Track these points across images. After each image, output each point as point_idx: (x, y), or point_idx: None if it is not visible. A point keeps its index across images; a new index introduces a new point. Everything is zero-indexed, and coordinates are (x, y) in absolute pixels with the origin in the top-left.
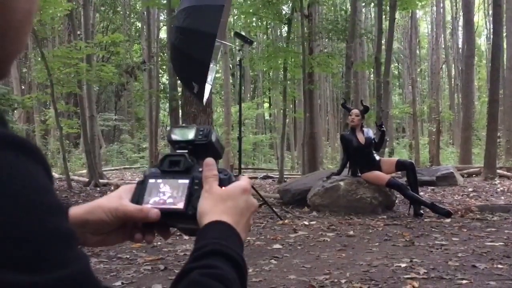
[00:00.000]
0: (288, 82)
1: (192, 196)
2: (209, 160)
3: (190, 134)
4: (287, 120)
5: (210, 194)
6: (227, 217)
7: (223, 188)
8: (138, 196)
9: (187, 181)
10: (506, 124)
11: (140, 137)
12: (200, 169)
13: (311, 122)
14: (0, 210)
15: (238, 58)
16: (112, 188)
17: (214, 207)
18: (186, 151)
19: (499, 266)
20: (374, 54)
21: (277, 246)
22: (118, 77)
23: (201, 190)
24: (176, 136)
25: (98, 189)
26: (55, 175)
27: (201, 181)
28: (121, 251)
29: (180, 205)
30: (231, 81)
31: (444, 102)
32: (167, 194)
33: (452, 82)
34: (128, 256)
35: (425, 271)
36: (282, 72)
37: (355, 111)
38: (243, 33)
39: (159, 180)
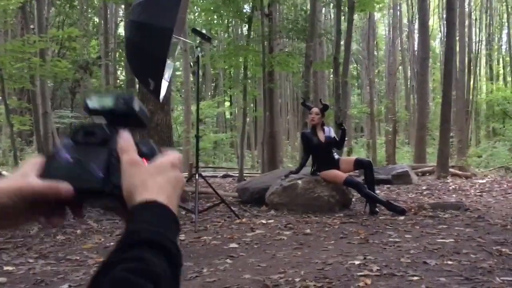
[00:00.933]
0: (249, 80)
1: (110, 171)
2: (124, 132)
3: (109, 102)
4: (247, 119)
5: (135, 168)
6: (160, 196)
7: (151, 162)
8: (47, 172)
9: (104, 154)
10: (458, 125)
11: None
12: None
13: (271, 121)
14: None
15: (196, 55)
16: None
17: (143, 183)
18: (104, 121)
19: (449, 262)
20: (333, 55)
21: (233, 245)
22: (73, 73)
23: (120, 164)
24: (94, 103)
25: None
26: (6, 173)
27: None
28: (70, 253)
29: (96, 181)
30: (191, 79)
31: (400, 102)
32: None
33: (408, 83)
34: (78, 258)
35: (378, 268)
36: (242, 71)
37: (315, 109)
38: (203, 31)
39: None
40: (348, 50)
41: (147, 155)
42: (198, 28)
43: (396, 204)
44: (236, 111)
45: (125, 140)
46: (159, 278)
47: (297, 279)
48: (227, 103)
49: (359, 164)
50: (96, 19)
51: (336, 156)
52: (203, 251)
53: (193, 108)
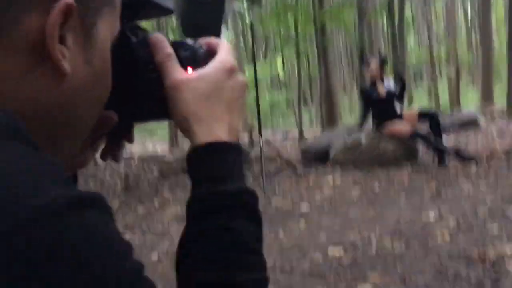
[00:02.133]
0: (301, 39)
1: (151, 86)
2: (156, 36)
3: None
4: (302, 76)
5: (180, 93)
6: (218, 127)
7: (199, 75)
8: None
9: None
10: None
11: None
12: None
13: (327, 77)
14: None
15: (247, 21)
16: None
17: (193, 113)
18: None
19: None
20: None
21: (304, 207)
22: None
23: (163, 79)
24: None
25: None
26: None
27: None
28: (152, 224)
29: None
30: (241, 44)
31: (461, 43)
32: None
33: (469, 23)
34: (160, 229)
35: (454, 221)
36: (294, 30)
37: (373, 61)
38: None
39: None
40: None
41: (187, 59)
42: None
43: (466, 152)
44: (289, 70)
45: (160, 48)
46: (257, 242)
47: (373, 238)
48: (279, 63)
49: (424, 115)
50: None
51: (399, 109)
52: (275, 214)
53: (246, 70)
